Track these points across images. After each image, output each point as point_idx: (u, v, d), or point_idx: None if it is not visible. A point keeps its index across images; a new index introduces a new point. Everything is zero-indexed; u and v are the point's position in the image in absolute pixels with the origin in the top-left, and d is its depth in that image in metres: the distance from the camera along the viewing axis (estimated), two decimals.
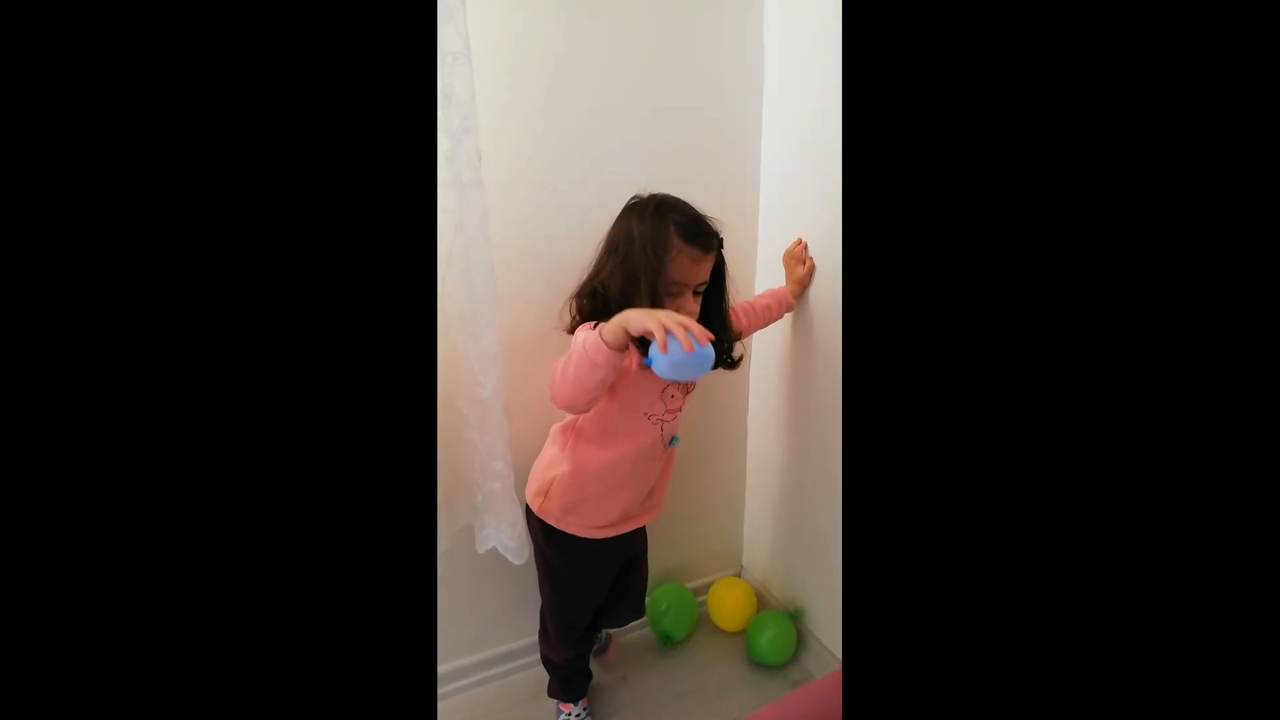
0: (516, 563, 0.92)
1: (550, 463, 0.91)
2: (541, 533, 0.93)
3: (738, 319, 0.98)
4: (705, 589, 1.32)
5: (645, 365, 0.76)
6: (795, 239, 1.06)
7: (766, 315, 1.05)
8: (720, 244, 0.83)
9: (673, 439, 0.92)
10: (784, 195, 1.11)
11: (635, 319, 0.68)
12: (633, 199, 0.84)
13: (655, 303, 0.77)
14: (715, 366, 0.76)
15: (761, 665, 1.19)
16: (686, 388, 0.89)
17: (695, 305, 0.83)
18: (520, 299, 0.96)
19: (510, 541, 0.89)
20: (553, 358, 0.98)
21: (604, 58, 0.96)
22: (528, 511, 0.94)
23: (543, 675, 1.10)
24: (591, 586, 0.98)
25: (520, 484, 0.91)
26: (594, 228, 0.86)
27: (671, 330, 0.64)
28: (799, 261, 1.05)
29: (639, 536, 1.01)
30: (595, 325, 0.74)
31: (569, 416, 0.90)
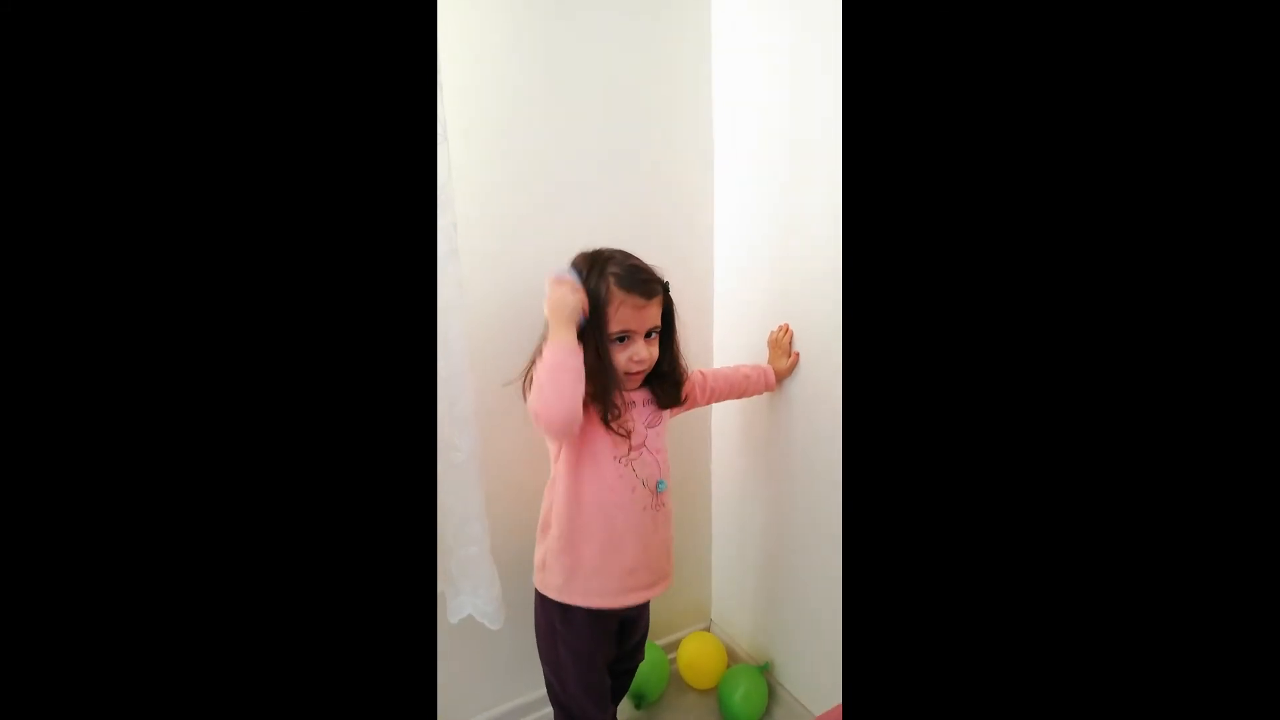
0: (493, 627, 0.90)
1: (541, 538, 0.93)
2: (543, 609, 0.94)
3: (714, 382, 1.03)
4: (674, 645, 1.32)
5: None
6: (781, 326, 1.06)
7: (745, 385, 1.06)
8: (665, 288, 0.88)
9: (659, 483, 0.92)
10: (739, 250, 1.19)
11: (554, 311, 0.80)
12: (573, 261, 0.88)
13: (602, 355, 0.83)
14: (665, 405, 0.94)
15: None
16: (647, 419, 0.91)
17: (650, 348, 0.87)
18: (494, 364, 0.98)
19: (487, 606, 0.88)
20: (524, 424, 1.00)
21: (575, 133, 1.03)
22: (536, 592, 0.95)
23: None
24: (598, 650, 0.96)
25: (496, 546, 0.91)
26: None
27: (571, 292, 0.80)
28: (784, 353, 1.05)
29: (637, 611, 1.00)
30: None
31: (547, 496, 0.92)
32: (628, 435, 0.88)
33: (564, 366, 0.78)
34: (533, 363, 0.87)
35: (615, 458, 0.88)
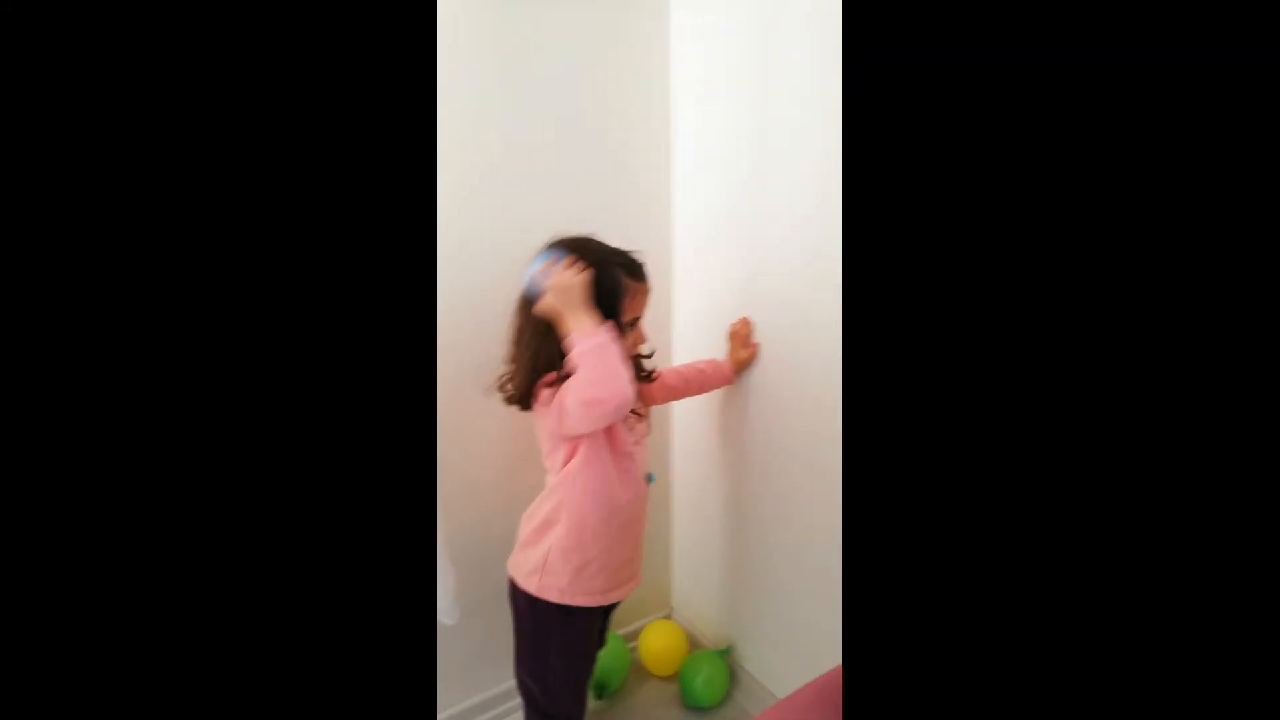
0: (448, 623, 0.90)
1: (537, 540, 0.89)
2: (536, 614, 0.90)
3: (670, 379, 1.04)
4: (635, 634, 1.33)
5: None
6: (741, 318, 1.07)
7: (701, 380, 1.07)
8: None
9: (648, 476, 0.94)
10: (699, 249, 1.19)
11: (564, 296, 0.77)
12: (555, 249, 0.84)
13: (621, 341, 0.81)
14: (641, 381, 0.93)
15: (695, 708, 1.21)
16: (640, 413, 0.92)
17: (641, 331, 0.89)
18: (451, 357, 0.96)
19: (442, 602, 0.87)
20: (480, 415, 0.97)
21: (528, 126, 1.01)
22: (526, 598, 0.90)
23: None
24: (594, 646, 0.98)
25: (448, 541, 0.90)
26: (516, 282, 0.88)
27: (577, 273, 0.77)
28: (743, 344, 1.07)
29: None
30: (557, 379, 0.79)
31: (546, 498, 0.90)
32: (645, 415, 0.90)
33: (606, 345, 0.75)
34: (515, 365, 0.84)
35: (626, 452, 0.87)
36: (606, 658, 1.21)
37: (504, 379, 0.85)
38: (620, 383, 0.74)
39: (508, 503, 1.02)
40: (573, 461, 0.85)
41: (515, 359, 0.84)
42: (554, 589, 0.87)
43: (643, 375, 0.97)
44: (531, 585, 0.88)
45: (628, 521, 0.90)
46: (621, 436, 0.87)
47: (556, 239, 0.85)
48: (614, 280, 0.81)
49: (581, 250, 0.82)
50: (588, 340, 0.75)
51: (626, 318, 0.84)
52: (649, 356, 0.95)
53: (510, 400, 0.84)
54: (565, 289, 0.76)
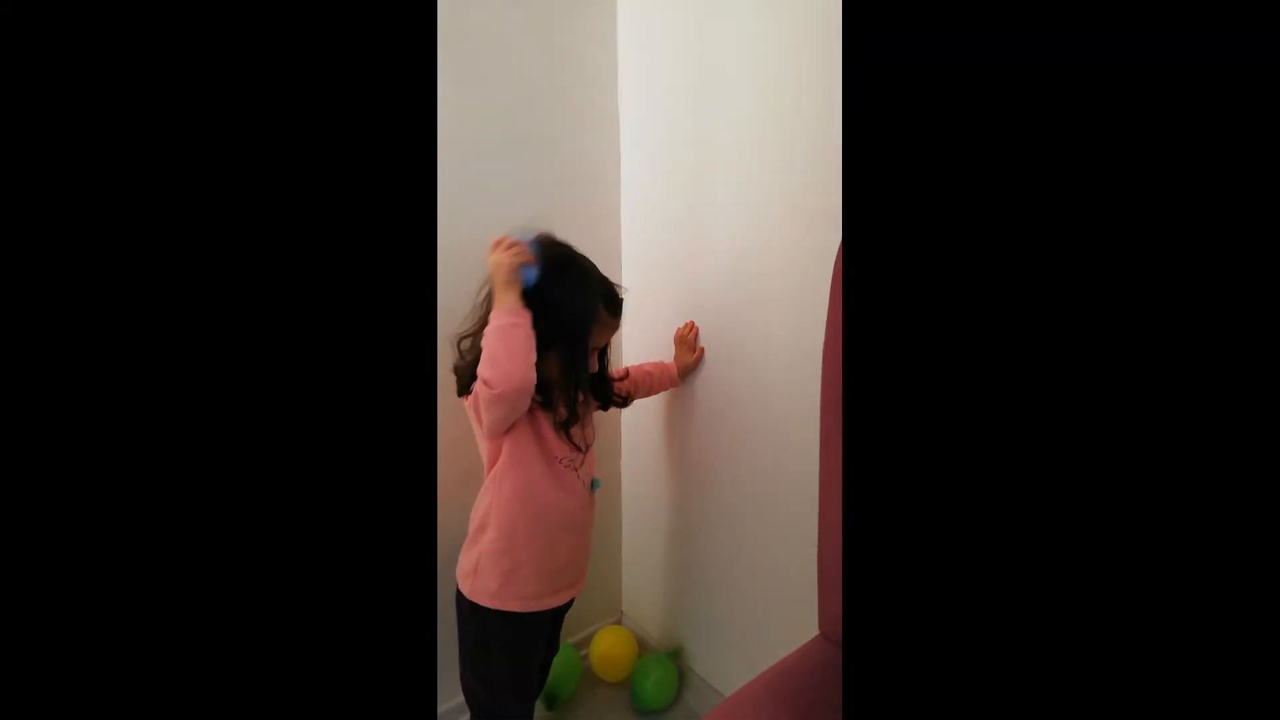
0: None
1: (472, 544, 0.90)
2: (474, 618, 0.90)
3: (631, 383, 1.06)
4: (586, 641, 1.32)
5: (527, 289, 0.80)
6: (687, 323, 1.10)
7: (650, 382, 1.09)
8: None
9: (594, 482, 0.94)
10: (646, 248, 1.20)
11: (493, 274, 0.79)
12: (547, 250, 0.84)
13: (577, 365, 0.84)
14: (607, 405, 0.98)
15: (646, 712, 1.21)
16: (583, 424, 0.92)
17: (595, 360, 0.92)
18: None
19: None
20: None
21: (477, 130, 1.00)
22: (460, 600, 0.91)
23: None
24: (536, 650, 0.96)
25: None
26: (462, 281, 0.88)
27: (521, 251, 0.79)
28: (689, 349, 1.09)
29: (565, 608, 1.00)
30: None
31: (479, 500, 0.90)
32: (586, 449, 0.90)
33: (510, 326, 0.75)
34: (471, 341, 0.85)
35: (564, 462, 0.88)
36: (557, 667, 1.19)
37: (463, 339, 0.86)
38: (513, 367, 0.74)
39: (464, 511, 0.99)
40: (499, 463, 0.86)
41: (473, 334, 0.85)
42: (485, 593, 0.87)
43: (618, 400, 1.00)
44: (466, 588, 0.89)
45: (567, 527, 0.90)
46: (552, 441, 0.87)
47: (547, 239, 0.86)
48: (585, 307, 0.83)
49: (563, 257, 0.85)
50: (494, 319, 0.77)
51: (594, 344, 0.87)
52: (623, 379, 1.00)
53: (459, 370, 0.85)
54: (495, 266, 0.78)
